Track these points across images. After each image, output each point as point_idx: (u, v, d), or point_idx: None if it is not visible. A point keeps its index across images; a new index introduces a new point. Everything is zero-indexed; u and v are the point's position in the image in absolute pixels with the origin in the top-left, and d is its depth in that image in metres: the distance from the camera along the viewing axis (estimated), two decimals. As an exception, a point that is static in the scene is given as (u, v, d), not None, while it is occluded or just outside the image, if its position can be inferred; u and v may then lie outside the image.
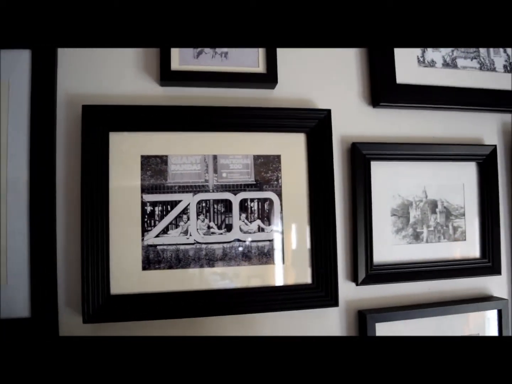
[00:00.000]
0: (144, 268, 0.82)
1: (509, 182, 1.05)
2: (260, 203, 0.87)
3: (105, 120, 0.80)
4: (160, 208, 0.83)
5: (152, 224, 0.82)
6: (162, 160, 0.83)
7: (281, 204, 0.88)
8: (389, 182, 0.95)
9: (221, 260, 0.85)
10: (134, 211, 0.82)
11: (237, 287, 0.85)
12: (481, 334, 0.98)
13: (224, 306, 0.83)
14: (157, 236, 0.82)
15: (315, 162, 0.89)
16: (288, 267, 0.88)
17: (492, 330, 0.99)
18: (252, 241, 0.86)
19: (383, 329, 0.91)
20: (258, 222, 0.87)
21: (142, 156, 0.82)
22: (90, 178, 0.79)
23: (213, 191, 0.85)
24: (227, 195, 0.86)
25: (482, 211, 1.01)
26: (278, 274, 0.87)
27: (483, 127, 1.04)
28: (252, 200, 0.87)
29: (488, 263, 1.00)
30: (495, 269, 1.00)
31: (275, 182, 0.88)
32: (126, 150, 0.82)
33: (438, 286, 0.98)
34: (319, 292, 0.87)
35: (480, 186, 1.01)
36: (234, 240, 0.85)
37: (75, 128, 0.81)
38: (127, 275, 0.81)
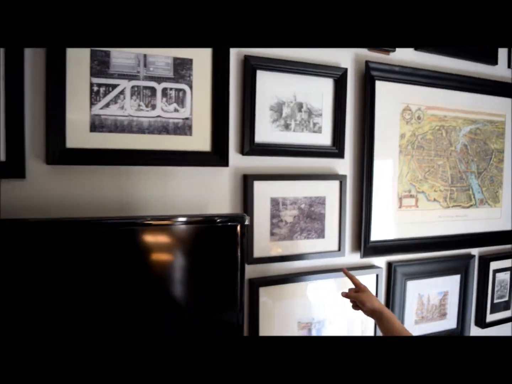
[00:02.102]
0: (91, 131, 1.16)
1: (355, 95, 1.50)
2: (176, 91, 1.23)
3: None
4: (104, 88, 1.17)
5: (98, 99, 1.16)
6: (106, 53, 1.16)
7: (191, 94, 1.25)
8: (270, 87, 1.35)
9: (147, 130, 1.21)
10: (84, 89, 1.15)
11: (158, 149, 1.22)
12: (327, 196, 1.44)
13: (148, 160, 1.21)
14: (101, 108, 1.17)
15: (217, 66, 1.26)
16: (195, 139, 1.26)
17: (335, 194, 1.45)
18: (169, 118, 1.23)
19: (261, 186, 1.33)
20: (175, 105, 1.24)
21: (91, 50, 1.15)
22: (55, 66, 1.10)
23: (143, 80, 1.20)
24: (153, 84, 1.21)
25: (334, 113, 1.45)
26: (188, 143, 1.25)
27: (341, 56, 1.47)
28: (171, 89, 1.23)
29: (336, 150, 1.45)
30: (340, 155, 1.46)
31: (188, 78, 1.24)
32: (80, 43, 1.14)
33: (301, 162, 1.41)
34: (215, 156, 1.28)
35: (334, 96, 1.44)
36: (157, 116, 1.22)
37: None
38: (79, 134, 1.15)
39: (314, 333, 1.46)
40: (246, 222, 1.15)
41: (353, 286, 1.25)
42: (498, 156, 1.82)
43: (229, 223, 1.13)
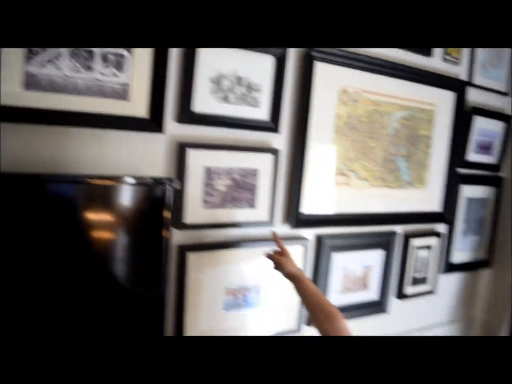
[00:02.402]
0: (26, 89, 1.16)
1: (295, 73, 1.56)
2: (116, 56, 1.25)
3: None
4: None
5: (34, 57, 1.16)
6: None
7: (131, 60, 1.26)
8: (211, 59, 1.38)
9: (84, 92, 1.22)
10: (20, 45, 1.14)
11: (94, 112, 1.23)
12: (261, 169, 1.50)
13: (84, 122, 1.22)
14: (37, 66, 1.16)
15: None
16: (132, 104, 1.28)
17: (268, 167, 1.52)
18: (107, 82, 1.24)
19: (195, 154, 1.37)
20: (113, 69, 1.25)
21: (28, 5, 1.14)
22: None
23: (81, 41, 1.20)
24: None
25: (274, 89, 1.50)
26: (125, 108, 1.27)
27: (282, 33, 1.51)
28: (110, 53, 1.24)
29: (272, 125, 1.51)
30: (276, 129, 1.52)
31: (128, 43, 1.25)
32: None
33: (237, 134, 1.46)
34: (152, 123, 1.30)
35: (274, 73, 1.49)
36: (95, 79, 1.23)
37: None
38: (13, 92, 1.14)
39: (240, 300, 1.54)
40: (175, 186, 1.19)
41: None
42: (426, 142, 1.94)
43: (157, 185, 1.17)
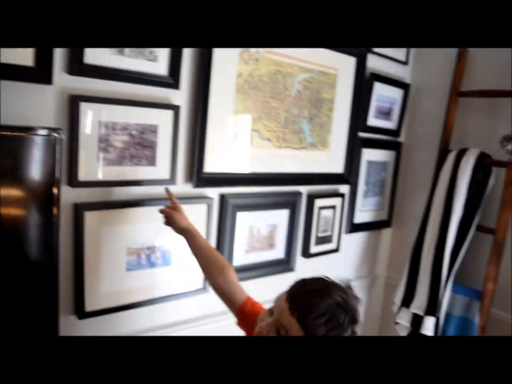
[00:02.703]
0: None
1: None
2: None
3: None
4: None
5: None
6: None
7: (9, 1, 1.17)
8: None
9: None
10: None
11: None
12: (160, 125, 1.47)
13: None
14: None
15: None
16: (15, 51, 1.19)
17: (168, 124, 1.49)
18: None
19: (89, 108, 1.31)
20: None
21: None
22: None
23: None
24: None
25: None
26: (9, 56, 1.18)
27: None
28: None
29: (171, 80, 1.48)
30: (175, 86, 1.49)
31: None
32: None
33: (134, 89, 1.41)
34: (38, 72, 1.22)
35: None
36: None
37: None
38: None
39: (144, 260, 1.51)
40: (60, 136, 1.13)
41: None
42: (328, 105, 2.01)
43: (40, 134, 1.10)
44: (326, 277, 1.06)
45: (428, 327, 2.08)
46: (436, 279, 2.06)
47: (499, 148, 2.00)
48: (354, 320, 0.98)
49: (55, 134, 1.13)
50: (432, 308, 2.06)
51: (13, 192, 1.10)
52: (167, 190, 1.39)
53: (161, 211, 1.36)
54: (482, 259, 2.08)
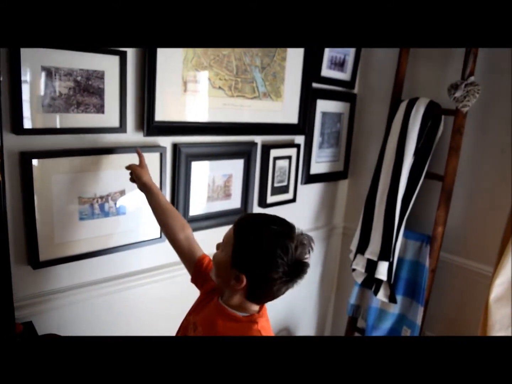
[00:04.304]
0: None
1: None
2: None
3: None
4: None
5: None
6: None
7: None
8: None
9: None
10: None
11: None
12: (106, 71, 1.44)
13: None
14: None
15: None
16: None
17: (114, 70, 1.46)
18: None
19: (29, 53, 1.27)
20: None
21: None
22: None
23: None
24: None
25: None
26: None
27: None
28: None
29: (116, 25, 1.45)
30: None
31: None
32: None
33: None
34: None
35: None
36: None
37: None
38: None
39: (96, 208, 1.51)
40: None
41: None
42: (281, 54, 2.01)
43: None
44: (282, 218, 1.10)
45: (382, 272, 2.17)
46: (389, 226, 2.14)
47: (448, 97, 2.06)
48: (291, 267, 1.03)
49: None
50: (385, 253, 2.14)
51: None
52: (137, 151, 1.46)
53: (128, 168, 1.41)
54: (432, 205, 2.17)
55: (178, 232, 1.34)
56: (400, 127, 2.15)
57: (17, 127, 1.28)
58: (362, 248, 2.26)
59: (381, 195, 2.21)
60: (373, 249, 2.19)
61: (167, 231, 1.36)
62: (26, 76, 1.28)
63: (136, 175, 1.39)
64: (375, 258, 2.18)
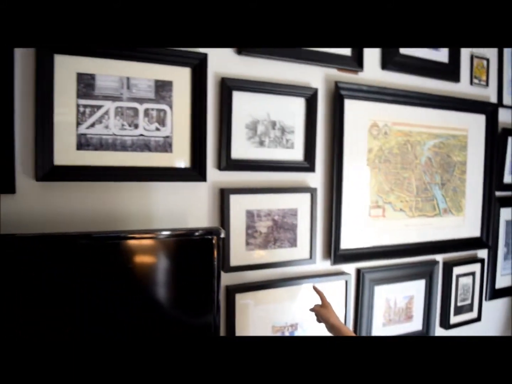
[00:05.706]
0: (77, 149, 1.24)
1: (325, 112, 1.61)
2: (157, 111, 1.32)
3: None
4: (89, 109, 1.25)
5: (84, 120, 1.24)
6: (92, 76, 1.25)
7: (171, 114, 1.34)
8: (245, 106, 1.45)
9: (130, 148, 1.30)
10: (71, 110, 1.23)
11: (140, 165, 1.31)
12: (299, 208, 1.54)
13: (131, 176, 1.29)
14: (87, 128, 1.25)
15: (196, 87, 1.36)
16: (175, 155, 1.35)
17: (306, 206, 1.56)
18: (151, 136, 1.32)
19: (237, 199, 1.42)
20: (156, 124, 1.32)
21: (77, 73, 1.23)
22: (43, 91, 1.18)
23: (126, 101, 1.29)
24: (135, 105, 1.30)
25: (306, 130, 1.55)
26: (168, 160, 1.34)
27: (312, 76, 1.58)
28: (152, 109, 1.32)
29: (307, 164, 1.56)
30: (311, 169, 1.56)
31: (168, 99, 1.33)
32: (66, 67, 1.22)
33: (275, 176, 1.51)
34: (194, 172, 1.37)
35: (305, 114, 1.55)
36: (139, 135, 1.31)
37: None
38: (66, 152, 1.23)
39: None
40: (222, 235, 1.24)
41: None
42: (460, 168, 1.94)
43: (206, 236, 1.22)
44: None
45: None
46: None
47: None
48: None
49: (217, 233, 1.23)
50: None
51: (182, 278, 1.22)
52: (314, 288, 1.42)
53: (311, 310, 1.37)
54: None
55: None
56: None
57: (225, 266, 1.41)
58: None
59: None
60: None
61: None
62: (233, 219, 1.42)
63: (322, 317, 1.34)
64: None
